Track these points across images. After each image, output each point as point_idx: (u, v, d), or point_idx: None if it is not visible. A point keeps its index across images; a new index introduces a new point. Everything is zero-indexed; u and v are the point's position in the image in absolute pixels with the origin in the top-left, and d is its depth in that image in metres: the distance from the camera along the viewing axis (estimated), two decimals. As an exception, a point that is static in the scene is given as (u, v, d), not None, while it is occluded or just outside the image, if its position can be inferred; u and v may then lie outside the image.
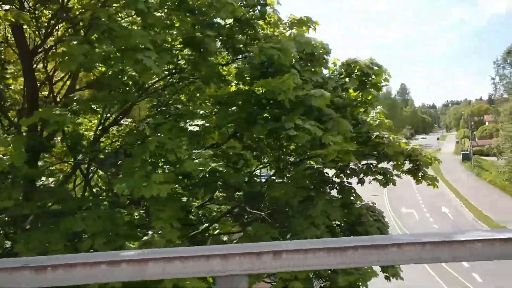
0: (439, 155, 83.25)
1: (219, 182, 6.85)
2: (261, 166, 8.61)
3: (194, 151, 4.95)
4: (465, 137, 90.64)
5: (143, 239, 4.51)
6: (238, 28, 6.12)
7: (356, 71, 6.48)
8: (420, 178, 7.52)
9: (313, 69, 6.19)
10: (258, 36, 6.55)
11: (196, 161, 4.51)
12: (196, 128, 5.00)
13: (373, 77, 6.47)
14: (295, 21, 7.19)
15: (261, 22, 6.96)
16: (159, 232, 4.51)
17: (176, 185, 4.80)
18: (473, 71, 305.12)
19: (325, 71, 7.09)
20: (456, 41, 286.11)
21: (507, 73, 59.21)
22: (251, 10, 6.64)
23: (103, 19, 4.48)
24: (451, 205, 39.85)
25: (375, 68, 6.43)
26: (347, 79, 6.43)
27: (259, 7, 6.47)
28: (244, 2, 6.22)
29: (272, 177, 7.79)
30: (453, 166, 64.99)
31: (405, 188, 49.60)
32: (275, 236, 5.54)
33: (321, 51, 6.24)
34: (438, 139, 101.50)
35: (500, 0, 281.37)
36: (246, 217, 7.10)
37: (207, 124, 5.24)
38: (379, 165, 7.86)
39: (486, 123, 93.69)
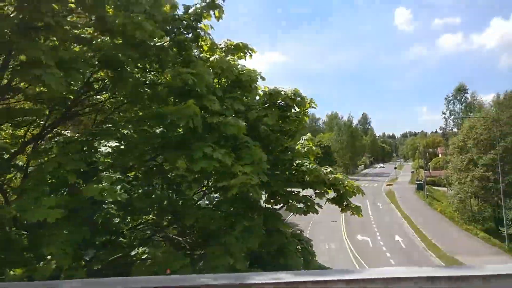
0: (396, 184, 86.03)
1: (155, 205, 6.65)
2: (202, 189, 8.45)
3: (104, 173, 4.74)
4: (420, 167, 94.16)
5: (28, 265, 4.22)
6: (166, 50, 6.08)
7: (279, 101, 6.57)
8: (344, 207, 7.58)
9: (240, 96, 6.21)
10: (192, 59, 6.53)
11: (100, 185, 4.32)
12: (108, 150, 4.83)
13: (296, 108, 6.57)
14: (232, 46, 7.26)
15: (198, 44, 6.97)
16: (49, 258, 4.25)
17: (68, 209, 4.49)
18: (431, 105, 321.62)
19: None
20: (416, 76, 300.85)
21: (457, 109, 62.86)
22: (184, 32, 6.66)
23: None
24: (405, 234, 40.76)
25: (298, 99, 6.55)
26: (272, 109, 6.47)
27: (190, 30, 6.50)
28: (175, 25, 6.24)
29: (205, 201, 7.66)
30: (408, 195, 67.07)
31: (364, 215, 50.73)
32: (186, 263, 5.35)
33: (247, 79, 6.28)
34: (395, 168, 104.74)
35: (456, 42, 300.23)
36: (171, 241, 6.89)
37: (121, 146, 5.07)
38: (304, 193, 7.85)
39: (440, 155, 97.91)
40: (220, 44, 7.48)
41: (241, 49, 7.39)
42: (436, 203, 56.41)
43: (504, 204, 36.06)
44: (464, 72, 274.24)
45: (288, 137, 7.41)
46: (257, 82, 6.66)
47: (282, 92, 6.50)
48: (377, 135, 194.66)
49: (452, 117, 62.76)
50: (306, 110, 6.93)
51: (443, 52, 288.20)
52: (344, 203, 7.43)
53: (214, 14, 6.90)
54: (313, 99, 7.09)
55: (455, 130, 60.24)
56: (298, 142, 7.66)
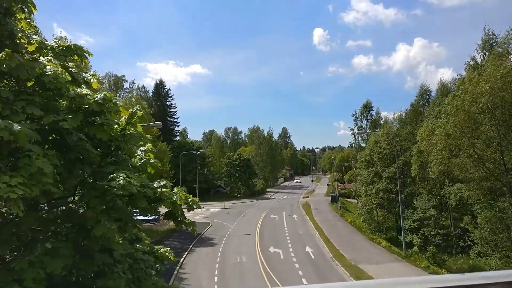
0: (313, 196, 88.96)
1: None
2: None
3: None
4: (336, 180, 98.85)
5: None
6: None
7: (85, 105, 5.80)
8: (177, 223, 6.92)
9: (39, 100, 5.34)
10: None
11: None
12: None
13: (105, 114, 5.87)
14: (63, 47, 6.43)
15: (14, 42, 6.00)
16: None
17: None
18: (347, 121, 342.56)
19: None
20: (334, 93, 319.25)
21: (363, 125, 67.20)
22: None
23: None
24: (315, 245, 41.70)
25: (109, 104, 5.85)
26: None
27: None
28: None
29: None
30: (323, 207, 69.59)
31: (277, 228, 51.33)
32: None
33: (52, 81, 5.45)
34: (312, 181, 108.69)
35: (368, 62, 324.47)
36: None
37: None
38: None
39: (354, 168, 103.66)
40: (53, 45, 6.58)
41: (73, 51, 6.58)
42: (348, 215, 59.10)
43: (403, 214, 38.60)
44: (375, 90, 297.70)
45: (108, 147, 6.49)
46: (81, 87, 5.89)
47: (88, 96, 5.72)
48: (298, 149, 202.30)
49: (355, 132, 66.91)
50: (121, 118, 6.24)
51: (357, 71, 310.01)
52: (178, 218, 6.73)
53: (26, 9, 6.23)
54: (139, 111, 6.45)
55: (363, 145, 64.22)
56: (136, 154, 6.87)
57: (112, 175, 5.40)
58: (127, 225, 6.43)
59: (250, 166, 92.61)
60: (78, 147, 5.66)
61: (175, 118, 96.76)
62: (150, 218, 52.32)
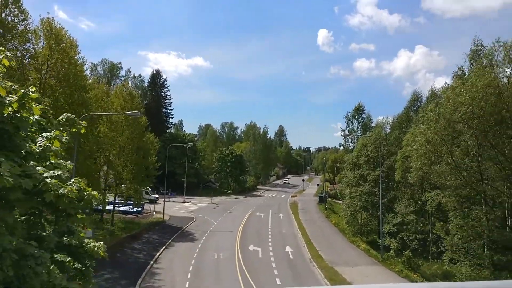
0: (303, 196, 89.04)
1: None
2: None
3: None
4: (327, 181, 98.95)
5: None
6: None
7: None
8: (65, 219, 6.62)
9: None
10: None
11: None
12: None
13: None
14: None
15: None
16: None
17: None
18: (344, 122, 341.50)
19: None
20: (334, 94, 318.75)
21: (355, 127, 67.32)
22: None
23: None
24: (296, 245, 41.74)
25: None
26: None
27: None
28: None
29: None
30: (311, 207, 69.70)
31: (261, 226, 51.38)
32: None
33: None
34: (303, 180, 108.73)
35: (370, 66, 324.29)
36: None
37: None
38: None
39: (341, 170, 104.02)
40: None
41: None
42: (333, 216, 59.16)
43: (383, 218, 38.67)
44: (374, 94, 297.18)
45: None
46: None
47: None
48: (294, 148, 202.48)
49: (343, 134, 66.96)
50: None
51: (358, 74, 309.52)
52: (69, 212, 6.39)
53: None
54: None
55: (352, 147, 64.38)
56: (37, 141, 6.47)
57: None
58: (35, 218, 6.30)
59: (242, 163, 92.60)
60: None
61: (169, 109, 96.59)
62: (132, 210, 52.34)
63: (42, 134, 6.31)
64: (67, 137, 6.62)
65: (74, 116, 7.53)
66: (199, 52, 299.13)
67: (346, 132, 66.98)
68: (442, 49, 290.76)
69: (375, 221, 46.87)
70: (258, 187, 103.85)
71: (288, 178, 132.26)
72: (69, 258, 7.46)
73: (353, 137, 64.98)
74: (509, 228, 29.06)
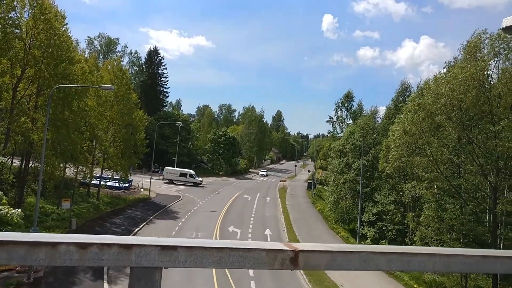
0: (294, 181, 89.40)
1: None
2: None
3: None
4: (320, 168, 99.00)
5: None
6: None
7: None
8: None
9: None
10: None
11: None
12: None
13: None
14: None
15: None
16: None
17: None
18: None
19: None
20: (335, 81, 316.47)
21: (343, 115, 66.96)
22: None
23: None
24: (276, 229, 42.03)
25: None
26: None
27: None
28: None
29: None
30: (299, 192, 69.92)
31: (246, 208, 51.63)
32: None
33: None
34: (295, 166, 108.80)
35: (373, 55, 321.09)
36: None
37: None
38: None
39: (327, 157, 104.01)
40: None
41: None
42: (319, 202, 59.38)
43: (362, 206, 38.80)
44: (377, 84, 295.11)
45: None
46: None
47: None
48: (293, 133, 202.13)
49: (339, 122, 66.69)
50: None
51: (361, 63, 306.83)
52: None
53: None
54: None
55: (341, 134, 64.23)
56: None
57: None
58: None
59: (235, 145, 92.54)
60: None
61: (165, 88, 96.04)
62: (120, 185, 52.64)
63: None
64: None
65: None
66: (202, 31, 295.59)
67: (334, 119, 66.68)
68: (448, 41, 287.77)
69: (357, 209, 47.07)
70: (250, 170, 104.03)
71: (264, 171, 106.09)
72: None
73: (342, 125, 64.75)
74: (483, 224, 29.17)
